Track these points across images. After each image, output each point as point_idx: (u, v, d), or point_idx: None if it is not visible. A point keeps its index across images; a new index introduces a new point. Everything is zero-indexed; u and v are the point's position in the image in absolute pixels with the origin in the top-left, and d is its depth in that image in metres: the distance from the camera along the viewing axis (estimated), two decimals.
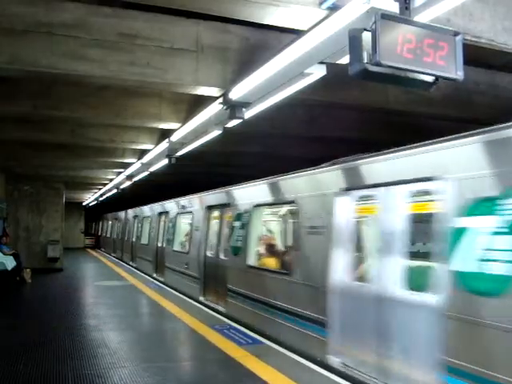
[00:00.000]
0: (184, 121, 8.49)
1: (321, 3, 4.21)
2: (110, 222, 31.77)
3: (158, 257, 17.22)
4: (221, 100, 6.18)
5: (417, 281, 5.42)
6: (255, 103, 6.23)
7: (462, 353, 4.48)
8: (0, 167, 16.70)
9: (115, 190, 22.07)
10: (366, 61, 3.23)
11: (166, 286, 14.40)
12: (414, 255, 6.32)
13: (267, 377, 5.79)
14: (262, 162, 14.04)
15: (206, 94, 6.33)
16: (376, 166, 6.10)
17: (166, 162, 11.01)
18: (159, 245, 17.09)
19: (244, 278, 9.51)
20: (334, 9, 3.93)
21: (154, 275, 17.04)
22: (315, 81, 5.25)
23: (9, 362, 6.49)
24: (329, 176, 6.99)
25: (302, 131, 10.02)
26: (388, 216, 5.73)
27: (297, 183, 7.97)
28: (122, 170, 16.49)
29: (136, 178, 16.30)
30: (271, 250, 9.61)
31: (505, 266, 4.07)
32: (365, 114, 9.34)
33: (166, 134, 9.96)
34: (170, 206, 16.35)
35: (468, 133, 4.73)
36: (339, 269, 6.44)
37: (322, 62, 4.75)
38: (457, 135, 4.84)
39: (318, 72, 4.95)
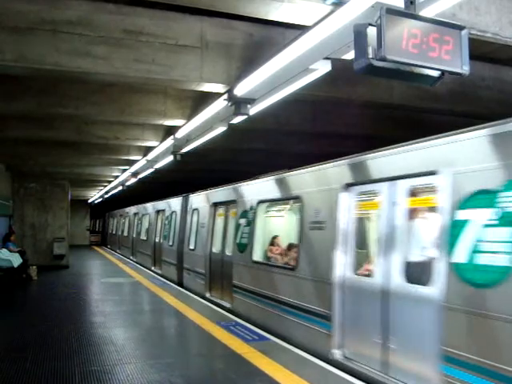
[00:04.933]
0: (189, 117, 8.50)
1: None
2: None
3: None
4: (225, 96, 6.18)
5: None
6: (260, 99, 6.22)
7: None
8: (6, 165, 16.80)
9: (120, 187, 22.10)
10: (371, 56, 3.22)
11: None
12: None
13: (274, 373, 5.79)
14: (266, 158, 14.02)
15: (210, 90, 6.33)
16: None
17: (171, 158, 11.04)
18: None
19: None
20: (338, 4, 3.92)
21: None
22: (320, 77, 5.24)
23: (16, 359, 6.53)
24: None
25: (306, 127, 10.00)
26: None
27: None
28: (127, 168, 16.54)
29: (141, 175, 16.33)
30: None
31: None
32: (370, 109, 9.32)
33: (170, 130, 9.97)
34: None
35: None
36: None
37: (326, 58, 4.74)
38: None
39: (322, 68, 4.95)
